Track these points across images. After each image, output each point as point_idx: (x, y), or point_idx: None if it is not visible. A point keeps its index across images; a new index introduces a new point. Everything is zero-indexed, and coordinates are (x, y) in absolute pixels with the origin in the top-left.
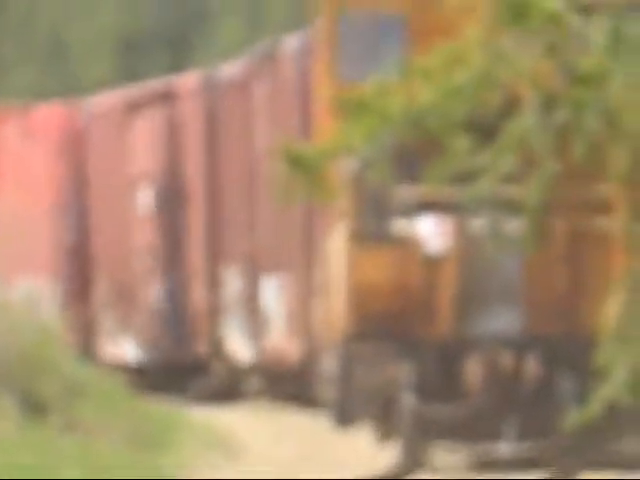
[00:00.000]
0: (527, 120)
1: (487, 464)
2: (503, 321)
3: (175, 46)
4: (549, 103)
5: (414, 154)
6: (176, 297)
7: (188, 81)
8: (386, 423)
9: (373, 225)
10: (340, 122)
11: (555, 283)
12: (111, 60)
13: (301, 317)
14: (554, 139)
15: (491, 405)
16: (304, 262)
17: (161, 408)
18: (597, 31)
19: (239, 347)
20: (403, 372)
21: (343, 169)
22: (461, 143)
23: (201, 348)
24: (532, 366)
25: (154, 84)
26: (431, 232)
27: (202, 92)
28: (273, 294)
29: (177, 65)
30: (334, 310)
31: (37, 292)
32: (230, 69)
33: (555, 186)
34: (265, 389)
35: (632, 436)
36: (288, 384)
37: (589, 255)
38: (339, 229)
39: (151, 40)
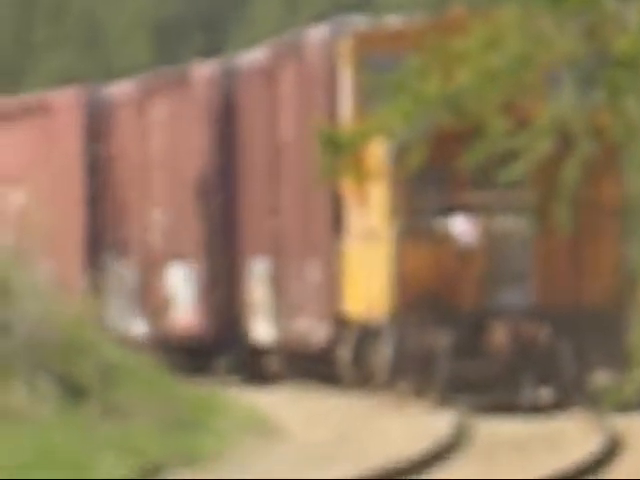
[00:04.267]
0: (564, 101)
1: (510, 408)
2: (519, 297)
3: (210, 29)
4: (586, 84)
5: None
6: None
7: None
8: (426, 379)
9: (418, 223)
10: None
11: (560, 268)
12: (146, 44)
13: (210, 299)
14: (589, 121)
15: (514, 362)
16: (216, 253)
17: (197, 390)
18: (634, 12)
19: (134, 326)
20: (441, 338)
21: (383, 157)
22: (499, 125)
23: None
24: (543, 332)
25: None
26: (462, 229)
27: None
28: (180, 280)
29: (212, 48)
30: (372, 292)
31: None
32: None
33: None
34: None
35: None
36: (193, 356)
37: (588, 245)
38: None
39: (186, 23)
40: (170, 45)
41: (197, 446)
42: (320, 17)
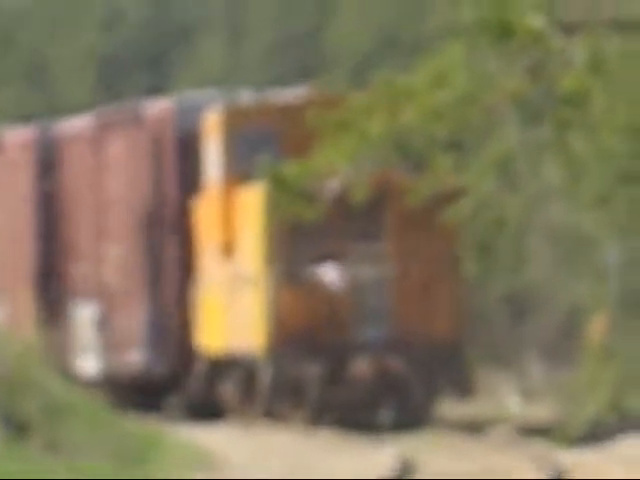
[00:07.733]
0: (509, 138)
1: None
2: (379, 333)
3: (156, 65)
4: (532, 122)
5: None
6: None
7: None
8: (299, 405)
9: (293, 270)
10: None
11: (413, 308)
12: (90, 81)
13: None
14: (535, 158)
15: (374, 388)
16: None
17: (142, 426)
18: (579, 49)
19: None
20: (312, 369)
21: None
22: (444, 162)
23: None
24: (398, 361)
25: None
26: (331, 276)
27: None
28: None
29: (158, 84)
30: (239, 331)
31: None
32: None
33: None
34: None
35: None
36: None
37: (436, 288)
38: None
39: (132, 59)
40: (115, 82)
41: None
42: (266, 54)
